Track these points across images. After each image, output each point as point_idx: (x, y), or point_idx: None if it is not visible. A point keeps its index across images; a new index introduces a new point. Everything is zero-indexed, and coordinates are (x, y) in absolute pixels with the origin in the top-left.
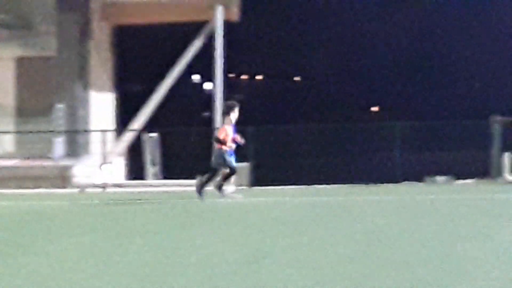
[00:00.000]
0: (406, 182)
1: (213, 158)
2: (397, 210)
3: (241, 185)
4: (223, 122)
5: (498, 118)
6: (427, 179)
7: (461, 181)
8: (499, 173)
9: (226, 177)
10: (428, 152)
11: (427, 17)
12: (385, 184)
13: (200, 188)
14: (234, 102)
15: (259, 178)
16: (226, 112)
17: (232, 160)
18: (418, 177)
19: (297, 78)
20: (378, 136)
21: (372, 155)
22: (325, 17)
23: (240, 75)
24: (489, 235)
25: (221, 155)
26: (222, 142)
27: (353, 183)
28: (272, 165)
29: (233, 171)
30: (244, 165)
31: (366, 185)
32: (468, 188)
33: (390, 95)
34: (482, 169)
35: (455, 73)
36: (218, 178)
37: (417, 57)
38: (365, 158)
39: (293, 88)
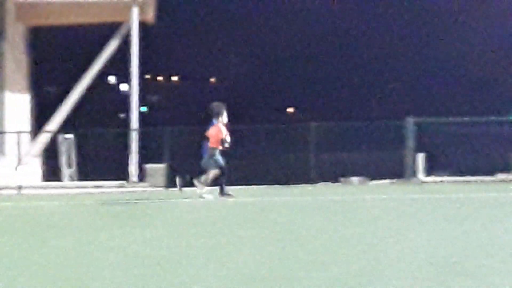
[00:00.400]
0: (322, 182)
1: (204, 158)
2: (314, 210)
3: (157, 186)
4: (212, 123)
5: (412, 119)
6: (342, 179)
7: (375, 182)
8: (413, 173)
9: (217, 178)
10: (343, 153)
11: (341, 17)
12: (301, 185)
13: (221, 192)
14: (221, 104)
15: (175, 179)
16: (217, 113)
17: (222, 160)
18: (333, 178)
19: (212, 79)
20: (293, 137)
21: (288, 156)
22: (241, 18)
23: (156, 77)
24: (403, 235)
25: (213, 155)
26: (215, 142)
27: (270, 184)
28: (189, 166)
29: (223, 172)
30: (160, 166)
31: (282, 186)
32: (382, 188)
33: (306, 96)
34: (397, 169)
35: (370, 74)
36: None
37: (333, 58)
38: (281, 158)
39: (209, 89)
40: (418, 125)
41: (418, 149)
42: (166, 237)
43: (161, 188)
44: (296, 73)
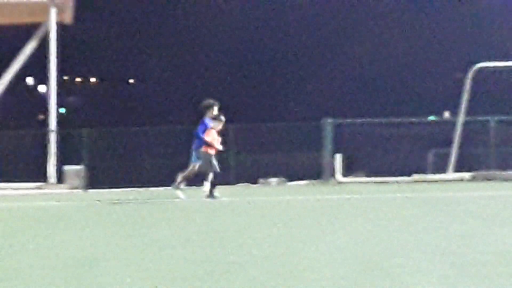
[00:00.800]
0: (241, 183)
1: (200, 162)
2: (233, 211)
3: (76, 188)
4: (203, 122)
5: (329, 120)
6: (261, 180)
7: (294, 183)
8: (330, 174)
9: (191, 175)
10: (262, 154)
11: (259, 17)
12: (220, 186)
13: (210, 194)
14: (212, 100)
15: (94, 181)
16: (207, 108)
17: (216, 163)
18: (252, 179)
19: (131, 81)
20: None
21: None
22: (159, 19)
23: (75, 78)
24: (321, 235)
25: (207, 158)
26: (210, 145)
27: (188, 185)
28: (107, 168)
29: (215, 174)
30: (79, 168)
31: (201, 187)
32: (300, 189)
33: (223, 97)
34: (315, 170)
35: (288, 75)
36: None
37: (252, 59)
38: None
39: (128, 90)
40: (335, 126)
41: (336, 150)
42: (86, 238)
43: (80, 190)
44: (215, 73)
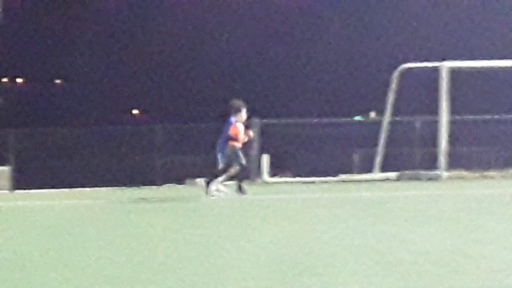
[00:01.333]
0: (167, 184)
1: (224, 155)
2: (159, 212)
3: (1, 189)
4: (230, 121)
5: (256, 120)
6: (188, 181)
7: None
8: (257, 174)
9: (233, 175)
10: (188, 154)
11: (183, 18)
12: (147, 187)
13: (238, 190)
14: (241, 102)
15: (21, 182)
16: (236, 110)
17: (243, 159)
18: (178, 179)
19: (58, 81)
20: (139, 139)
21: (134, 158)
22: (87, 19)
23: (0, 79)
24: (248, 235)
25: (235, 152)
26: (235, 139)
27: (115, 186)
28: (34, 168)
29: (242, 168)
30: (4, 168)
31: (128, 188)
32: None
33: (151, 98)
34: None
35: (215, 75)
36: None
37: (178, 60)
38: (126, 160)
39: (55, 90)
40: (262, 126)
41: (263, 150)
42: (10, 239)
43: (6, 191)
44: (142, 74)
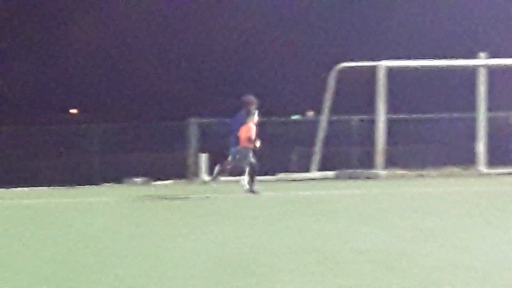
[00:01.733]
0: (106, 183)
1: (236, 156)
2: (97, 212)
3: None
4: (239, 117)
5: (194, 119)
6: (126, 180)
7: (159, 182)
8: (196, 174)
9: (251, 175)
10: (127, 154)
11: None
12: (85, 186)
13: (249, 188)
14: (254, 99)
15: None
16: (249, 112)
17: (253, 158)
18: (117, 179)
19: None
20: (77, 138)
21: (72, 157)
22: (19, 17)
23: None
24: (187, 234)
25: (246, 153)
26: (249, 140)
27: (53, 186)
28: None
29: (254, 168)
30: None
31: (66, 188)
32: (166, 189)
33: (89, 97)
34: (180, 170)
35: (152, 74)
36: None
37: (114, 59)
38: (64, 160)
39: None
40: (200, 125)
41: (201, 149)
42: None
43: None
44: (79, 74)
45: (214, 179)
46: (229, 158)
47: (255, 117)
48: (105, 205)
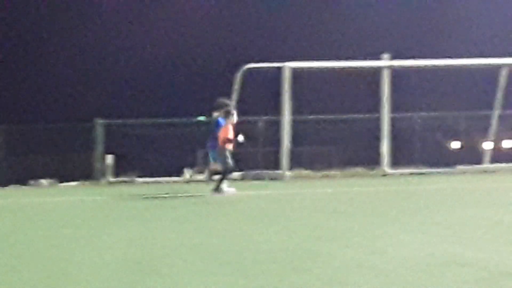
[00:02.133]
0: (11, 185)
1: (217, 158)
2: (2, 213)
3: None
4: (218, 122)
5: (100, 120)
6: (32, 182)
7: (65, 184)
8: (101, 175)
9: (219, 174)
10: (32, 155)
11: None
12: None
13: (216, 189)
14: (229, 102)
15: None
16: (227, 113)
17: (231, 160)
18: (22, 180)
19: None
20: None
21: None
22: None
23: None
24: (92, 236)
25: (224, 154)
26: (229, 141)
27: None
28: None
29: (230, 170)
30: None
31: None
32: (72, 190)
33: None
34: (86, 171)
35: (56, 74)
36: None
37: (16, 58)
38: None
39: None
40: (106, 127)
41: (107, 151)
42: None
43: None
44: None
45: (217, 190)
46: (211, 162)
47: (234, 118)
48: (10, 207)
